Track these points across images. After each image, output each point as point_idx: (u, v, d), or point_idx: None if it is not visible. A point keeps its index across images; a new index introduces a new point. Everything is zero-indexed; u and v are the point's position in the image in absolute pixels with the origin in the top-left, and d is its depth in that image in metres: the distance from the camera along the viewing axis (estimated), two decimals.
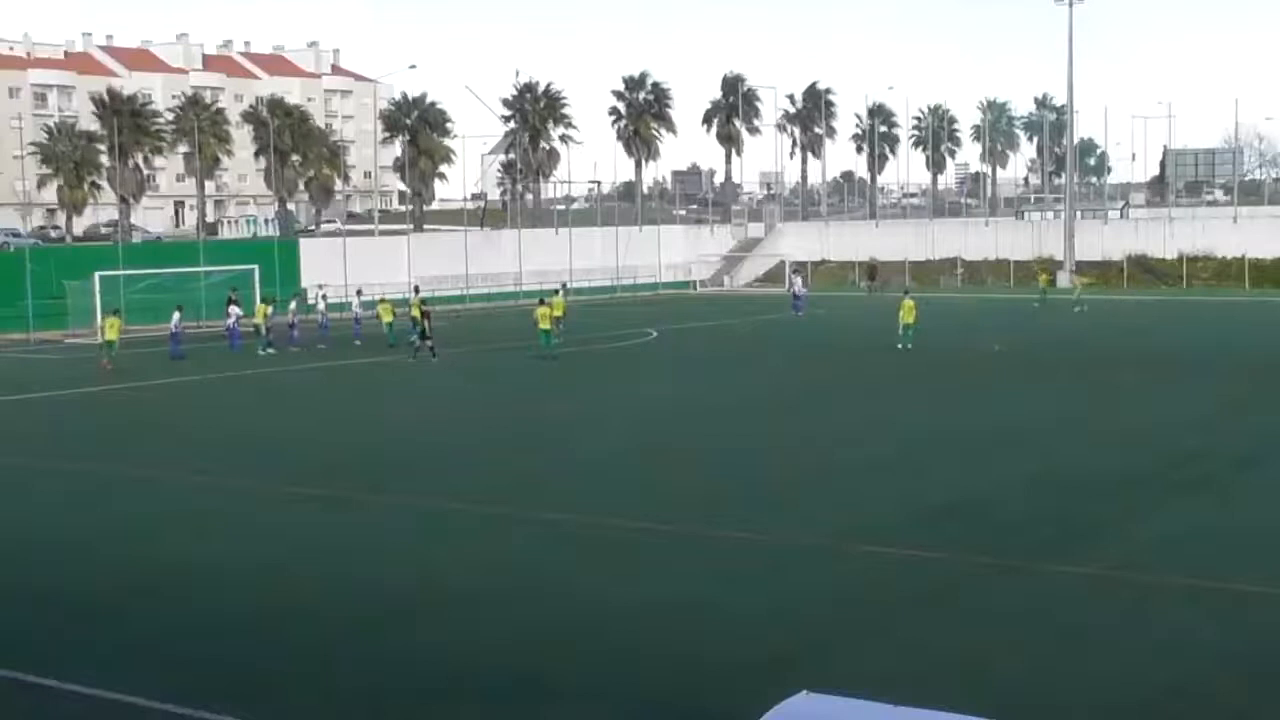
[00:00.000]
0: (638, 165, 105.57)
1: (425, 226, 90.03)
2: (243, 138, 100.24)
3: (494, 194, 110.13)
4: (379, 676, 12.47)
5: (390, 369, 41.09)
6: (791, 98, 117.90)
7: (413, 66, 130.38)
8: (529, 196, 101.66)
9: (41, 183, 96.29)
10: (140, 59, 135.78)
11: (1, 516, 20.38)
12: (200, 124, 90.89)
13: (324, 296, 53.58)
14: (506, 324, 55.92)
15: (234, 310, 47.35)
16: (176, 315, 45.60)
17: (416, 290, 53.68)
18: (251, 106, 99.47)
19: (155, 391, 36.66)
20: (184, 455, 25.22)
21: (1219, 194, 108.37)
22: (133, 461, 24.87)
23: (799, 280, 67.85)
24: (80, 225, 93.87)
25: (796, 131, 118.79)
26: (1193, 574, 15.62)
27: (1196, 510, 19.40)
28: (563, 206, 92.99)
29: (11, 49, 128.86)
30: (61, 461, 24.99)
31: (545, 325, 42.07)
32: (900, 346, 42.13)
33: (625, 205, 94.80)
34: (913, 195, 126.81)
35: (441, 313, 54.45)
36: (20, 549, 18.10)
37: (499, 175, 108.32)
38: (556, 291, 53.02)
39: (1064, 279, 78.08)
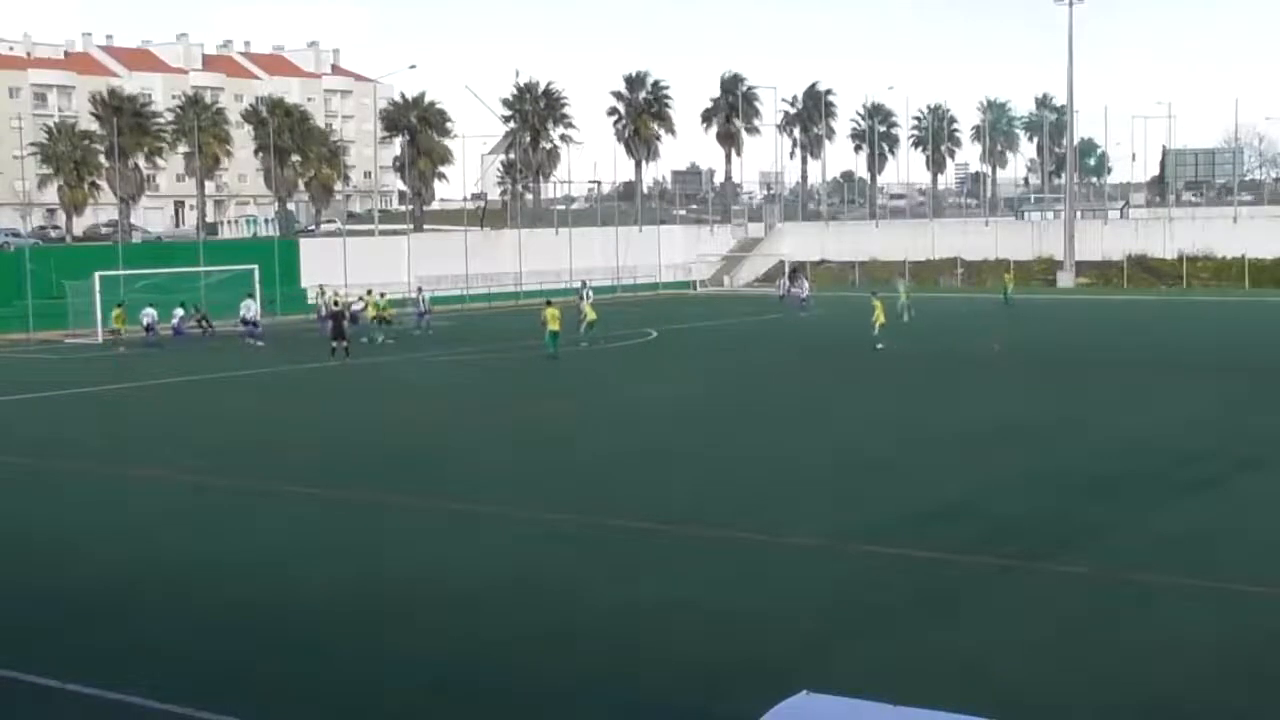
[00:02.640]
0: (638, 165, 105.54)
1: (425, 226, 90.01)
2: (243, 138, 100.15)
3: (494, 194, 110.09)
4: (379, 676, 12.47)
5: (387, 369, 41.11)
6: (793, 100, 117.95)
7: (413, 66, 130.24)
8: (529, 196, 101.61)
9: (41, 183, 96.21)
10: (140, 59, 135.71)
11: (2, 516, 20.38)
12: (200, 124, 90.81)
13: (320, 295, 53.95)
14: (504, 324, 55.91)
15: (177, 311, 51.31)
16: (179, 311, 50.95)
17: (382, 294, 54.19)
18: (251, 106, 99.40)
19: (154, 391, 36.66)
20: (184, 454, 25.21)
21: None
22: (133, 461, 24.87)
23: (805, 282, 67.67)
24: (80, 225, 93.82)
25: (796, 131, 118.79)
26: (1193, 574, 15.61)
27: (1196, 510, 19.40)
28: (563, 206, 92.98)
29: (11, 49, 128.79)
30: (61, 461, 24.99)
31: (555, 326, 41.62)
32: (879, 347, 42.08)
33: (625, 205, 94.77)
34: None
35: (441, 314, 54.58)
36: (20, 549, 18.10)
37: (499, 175, 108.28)
38: (580, 295, 52.76)
39: (1065, 279, 78.13)
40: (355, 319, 50.82)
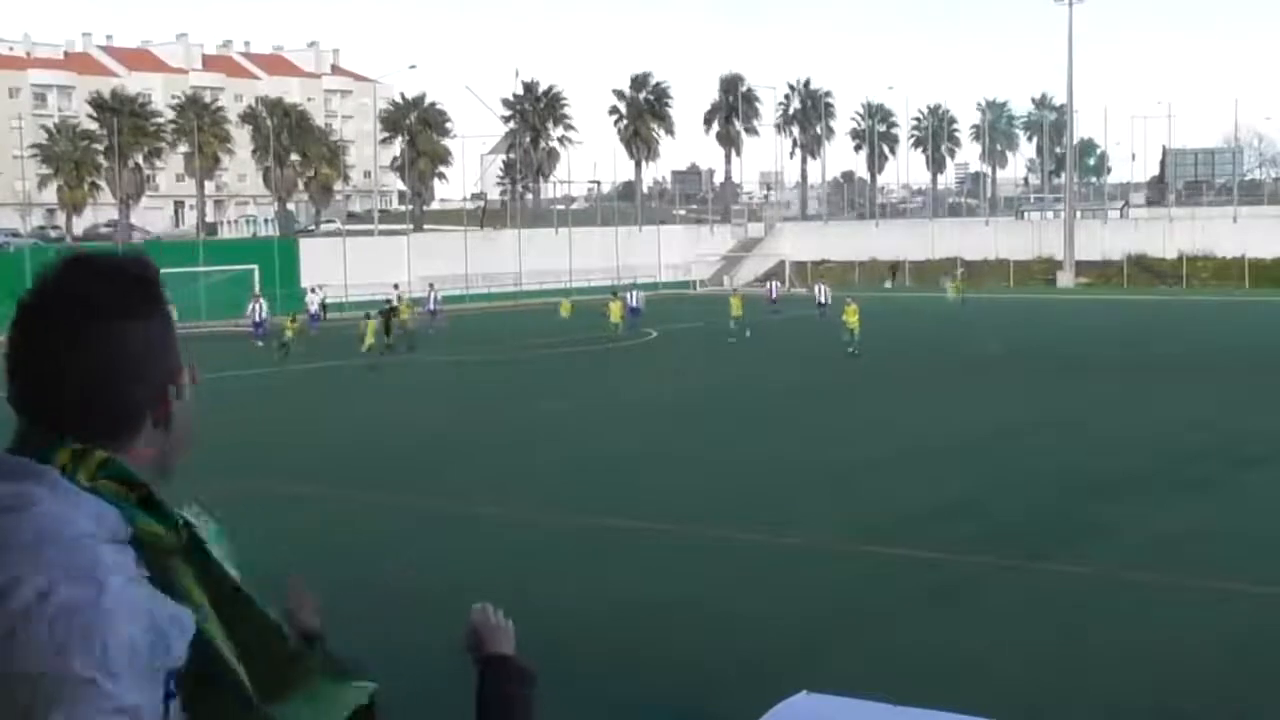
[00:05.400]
0: (638, 165, 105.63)
1: (425, 226, 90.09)
2: (243, 138, 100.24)
3: (494, 194, 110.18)
4: (378, 677, 12.43)
5: (386, 369, 41.11)
6: (788, 98, 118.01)
7: (413, 66, 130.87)
8: (529, 196, 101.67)
9: (41, 183, 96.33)
10: (140, 59, 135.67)
11: None
12: (200, 124, 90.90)
13: (317, 293, 54.30)
14: (505, 324, 55.91)
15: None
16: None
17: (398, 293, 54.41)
18: (251, 107, 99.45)
19: None
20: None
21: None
22: None
23: (823, 287, 66.91)
24: (80, 225, 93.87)
25: (795, 131, 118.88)
26: (1193, 574, 15.60)
27: (1196, 510, 19.39)
28: (563, 206, 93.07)
29: (11, 49, 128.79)
30: None
31: (616, 319, 48.36)
32: (851, 352, 41.51)
33: (625, 205, 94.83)
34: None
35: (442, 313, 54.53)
36: None
37: (499, 175, 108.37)
38: (614, 293, 53.39)
39: (1064, 279, 78.19)
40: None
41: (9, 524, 1.78)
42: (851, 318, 42.74)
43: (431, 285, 57.24)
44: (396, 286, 55.31)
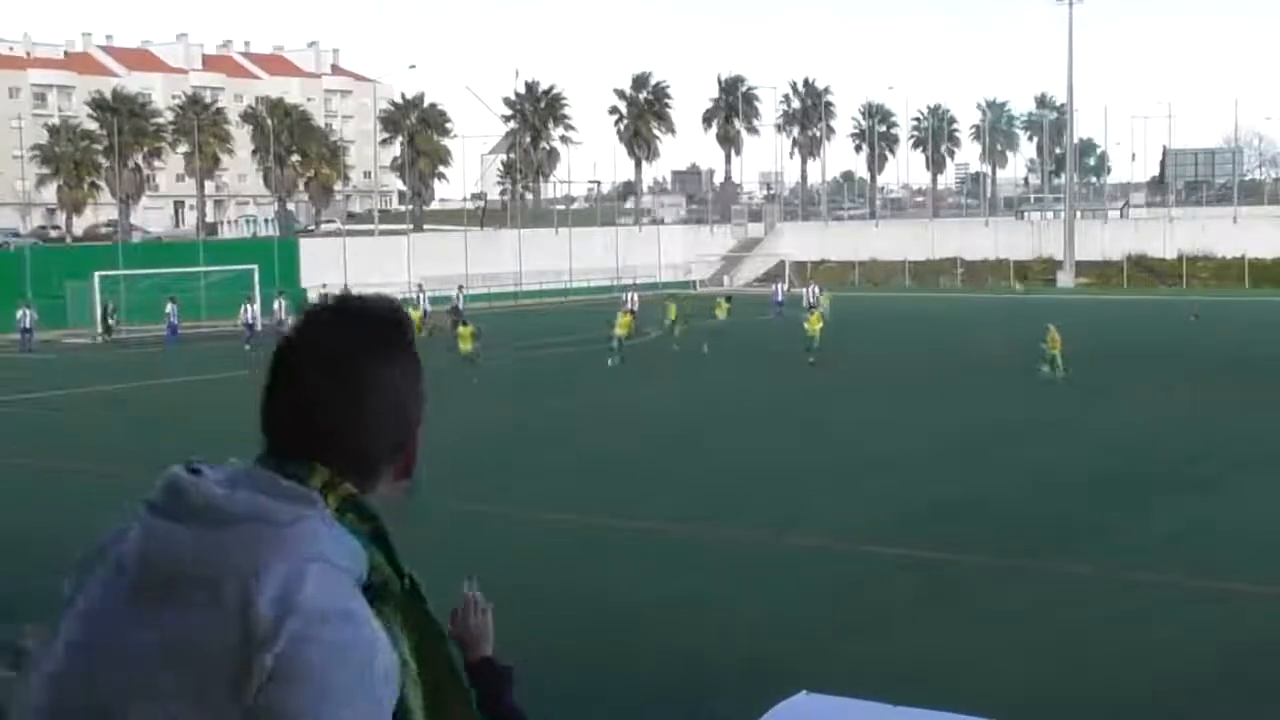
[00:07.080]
0: (638, 165, 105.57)
1: (425, 226, 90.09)
2: (243, 138, 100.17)
3: (494, 194, 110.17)
4: None
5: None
6: (787, 97, 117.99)
7: (413, 66, 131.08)
8: (529, 196, 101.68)
9: (41, 183, 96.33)
10: (140, 59, 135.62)
11: (2, 518, 20.36)
12: (200, 124, 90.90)
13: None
14: (504, 324, 55.86)
15: (171, 307, 50.86)
16: (171, 307, 50.35)
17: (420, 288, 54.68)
18: (251, 107, 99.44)
19: (154, 391, 36.63)
20: (186, 455, 25.15)
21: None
22: (133, 462, 24.83)
23: (816, 287, 66.66)
24: (80, 225, 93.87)
25: (795, 131, 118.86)
26: (1193, 574, 15.62)
27: (1196, 510, 19.40)
28: (563, 206, 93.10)
29: (11, 49, 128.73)
30: (62, 462, 24.98)
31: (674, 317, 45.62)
32: (810, 361, 40.29)
33: (625, 204, 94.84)
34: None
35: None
36: (21, 550, 18.09)
37: (499, 175, 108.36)
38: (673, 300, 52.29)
39: (1064, 279, 78.18)
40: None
41: (287, 537, 1.86)
42: (814, 325, 41.99)
43: (461, 286, 57.84)
44: (422, 287, 55.92)
